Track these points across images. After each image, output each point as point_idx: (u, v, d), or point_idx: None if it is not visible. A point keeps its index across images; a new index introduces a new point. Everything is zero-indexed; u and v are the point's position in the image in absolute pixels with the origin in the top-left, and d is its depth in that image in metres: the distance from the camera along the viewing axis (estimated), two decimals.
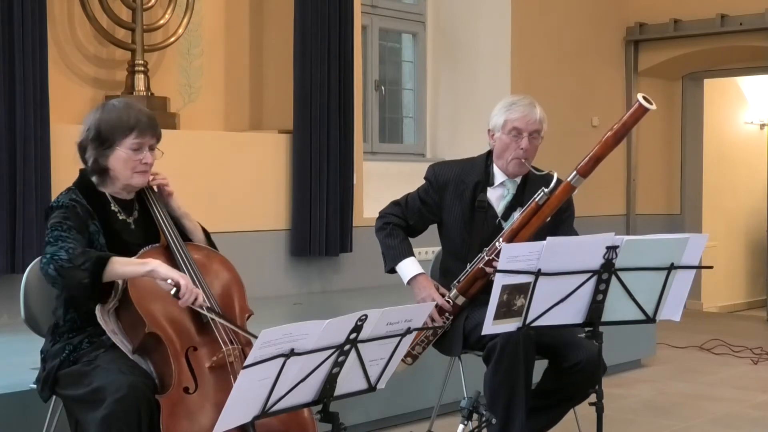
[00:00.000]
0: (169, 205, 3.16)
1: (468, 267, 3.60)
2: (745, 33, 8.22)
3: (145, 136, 3.00)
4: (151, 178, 3.11)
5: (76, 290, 2.84)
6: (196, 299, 2.83)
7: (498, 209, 3.71)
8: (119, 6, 5.57)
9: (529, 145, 3.63)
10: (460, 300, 3.60)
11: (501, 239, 3.53)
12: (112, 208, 3.05)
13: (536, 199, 3.53)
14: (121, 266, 2.82)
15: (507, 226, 3.62)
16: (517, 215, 3.64)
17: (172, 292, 2.79)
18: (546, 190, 3.52)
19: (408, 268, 3.70)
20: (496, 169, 3.73)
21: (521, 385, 3.38)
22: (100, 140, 2.98)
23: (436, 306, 3.59)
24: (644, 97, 3.37)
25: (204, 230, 3.25)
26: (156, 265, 2.83)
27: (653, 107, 3.36)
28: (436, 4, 7.75)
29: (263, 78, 6.38)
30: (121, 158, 2.99)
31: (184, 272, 2.97)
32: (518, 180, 3.73)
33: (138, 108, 3.04)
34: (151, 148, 3.04)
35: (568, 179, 3.51)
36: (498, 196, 3.73)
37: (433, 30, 7.76)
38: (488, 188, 3.72)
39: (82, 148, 3.03)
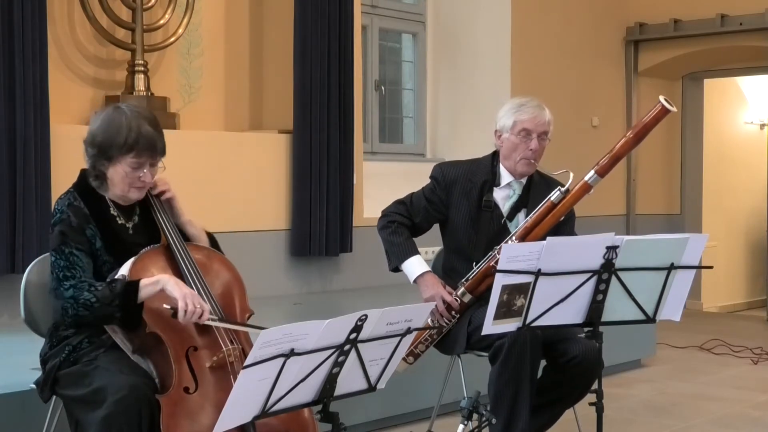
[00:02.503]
0: (173, 209, 3.15)
1: (475, 266, 3.62)
2: (745, 33, 8.22)
3: (143, 156, 2.96)
4: (158, 188, 3.12)
5: (105, 322, 2.88)
6: (201, 316, 2.83)
7: (503, 209, 3.74)
8: (119, 6, 5.57)
9: (537, 146, 3.68)
10: (467, 297, 3.62)
11: (514, 237, 3.55)
12: (112, 212, 3.04)
13: (551, 198, 3.55)
14: (142, 292, 2.83)
15: (513, 226, 3.65)
16: (521, 216, 3.68)
17: (170, 313, 2.80)
18: (562, 188, 3.54)
19: (414, 266, 3.70)
20: (502, 170, 3.76)
21: (527, 385, 3.39)
22: (96, 150, 2.97)
23: (444, 303, 3.60)
24: (666, 99, 3.42)
25: (210, 235, 3.24)
26: (165, 281, 2.84)
27: (674, 109, 3.43)
28: (436, 4, 7.76)
29: (263, 78, 6.38)
30: (119, 173, 2.98)
31: (185, 272, 2.97)
32: (524, 181, 3.76)
33: (139, 126, 2.96)
34: (152, 165, 3.01)
35: (585, 178, 3.55)
36: (504, 197, 3.76)
37: (433, 30, 7.76)
38: (494, 188, 3.75)
39: (85, 149, 3.03)
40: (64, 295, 2.86)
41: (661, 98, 3.43)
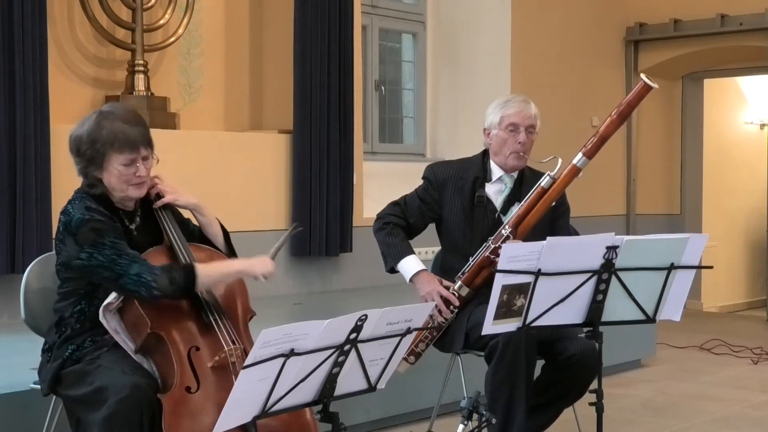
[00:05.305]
0: (179, 204, 3.15)
1: (471, 260, 3.63)
2: (745, 33, 8.22)
3: (132, 152, 2.93)
4: (162, 192, 3.11)
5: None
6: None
7: (497, 204, 3.77)
8: (119, 6, 5.57)
9: (526, 139, 3.71)
10: (464, 291, 3.63)
11: (507, 226, 3.57)
12: (120, 215, 3.04)
13: (542, 184, 3.58)
14: (207, 277, 2.94)
15: (507, 220, 3.66)
16: (515, 210, 3.69)
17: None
18: (551, 174, 3.57)
19: (410, 265, 3.72)
20: (493, 166, 3.80)
21: (522, 385, 3.40)
22: (85, 158, 2.94)
23: (443, 299, 3.60)
24: (647, 76, 3.47)
25: (222, 227, 3.25)
26: (242, 266, 3.02)
27: (655, 86, 3.47)
28: (436, 4, 7.76)
29: (263, 78, 6.38)
30: (113, 175, 2.95)
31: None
32: (515, 175, 3.79)
33: (113, 125, 2.93)
34: (145, 159, 2.98)
35: (574, 161, 3.59)
36: (496, 191, 3.79)
37: (433, 30, 7.76)
38: (486, 184, 3.78)
39: (73, 159, 3.01)
40: (129, 271, 2.83)
41: (643, 76, 3.49)
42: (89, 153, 2.93)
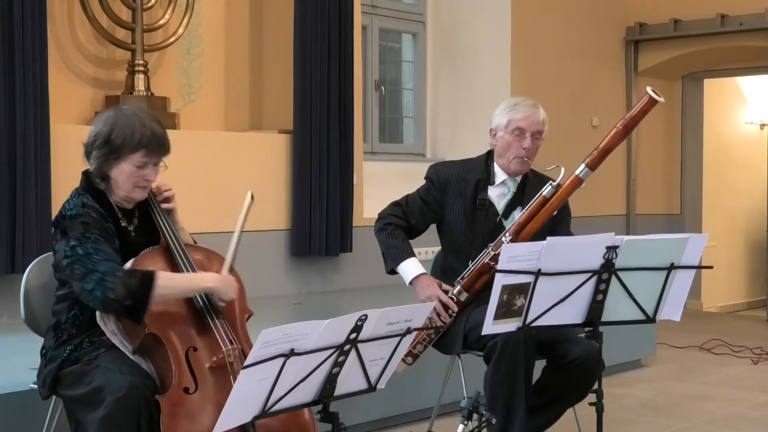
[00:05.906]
0: (171, 216, 3.16)
1: (471, 264, 3.63)
2: (745, 33, 8.22)
3: (152, 155, 2.99)
4: (164, 190, 3.13)
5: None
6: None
7: (499, 207, 3.75)
8: (119, 6, 5.57)
9: (531, 144, 3.68)
10: (464, 296, 3.62)
11: (508, 233, 3.56)
12: (117, 214, 3.04)
13: (543, 193, 3.57)
14: (168, 288, 2.84)
15: (509, 224, 3.65)
16: (517, 214, 3.69)
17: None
18: (553, 183, 3.56)
19: (410, 268, 3.71)
20: (496, 168, 3.77)
21: (521, 385, 3.39)
22: (107, 149, 2.96)
23: (441, 303, 3.60)
24: (653, 90, 3.45)
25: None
26: (213, 285, 2.94)
27: (662, 100, 3.45)
28: (436, 4, 7.76)
29: (263, 78, 6.38)
30: (124, 172, 2.98)
31: (184, 273, 2.98)
32: (518, 179, 3.77)
33: (151, 125, 3.00)
34: (155, 164, 3.02)
35: (576, 172, 3.56)
36: (498, 195, 3.77)
37: (433, 30, 7.76)
38: (489, 186, 3.76)
39: (87, 151, 3.02)
40: (97, 268, 2.80)
41: (649, 89, 3.46)
42: (118, 145, 2.95)
